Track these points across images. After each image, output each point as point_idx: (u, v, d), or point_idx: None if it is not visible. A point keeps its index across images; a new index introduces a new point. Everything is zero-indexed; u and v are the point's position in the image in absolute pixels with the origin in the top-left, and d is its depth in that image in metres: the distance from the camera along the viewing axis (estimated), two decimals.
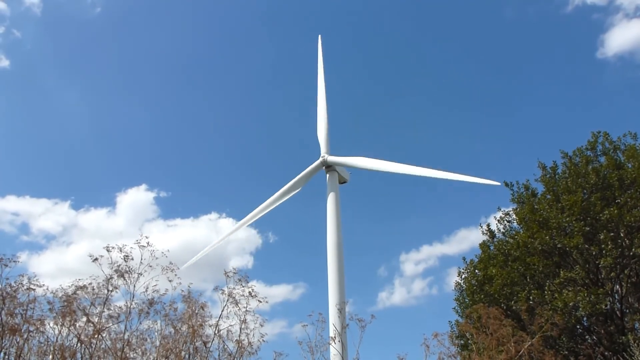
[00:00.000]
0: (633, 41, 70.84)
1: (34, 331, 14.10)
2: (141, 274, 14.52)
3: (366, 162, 26.08)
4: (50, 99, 78.98)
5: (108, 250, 14.54)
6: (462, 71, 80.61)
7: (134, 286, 14.48)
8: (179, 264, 15.44)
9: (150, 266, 14.60)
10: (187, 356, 14.38)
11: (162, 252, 14.81)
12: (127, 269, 14.46)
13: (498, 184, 22.80)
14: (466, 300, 27.55)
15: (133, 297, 14.52)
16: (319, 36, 32.31)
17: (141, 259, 14.62)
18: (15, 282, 14.23)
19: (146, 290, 14.53)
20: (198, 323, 14.58)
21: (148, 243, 14.70)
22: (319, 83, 30.29)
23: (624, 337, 21.42)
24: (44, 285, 14.62)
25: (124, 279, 14.39)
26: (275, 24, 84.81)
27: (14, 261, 14.34)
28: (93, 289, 14.35)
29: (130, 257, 14.57)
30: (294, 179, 27.13)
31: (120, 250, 14.58)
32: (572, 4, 74.04)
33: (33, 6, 76.66)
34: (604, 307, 22.28)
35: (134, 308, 14.52)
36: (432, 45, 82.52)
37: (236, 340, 14.49)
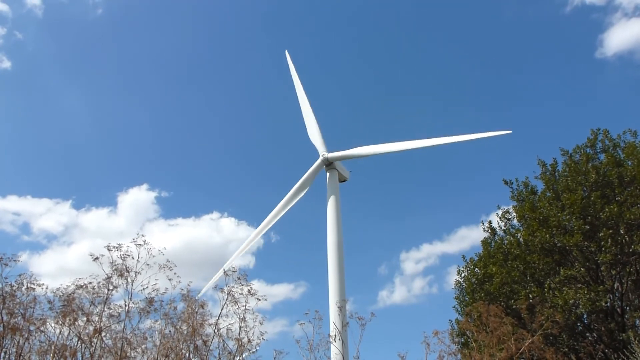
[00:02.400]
0: (632, 40, 70.83)
1: (35, 331, 14.13)
2: (139, 273, 14.54)
3: (365, 149, 26.34)
4: (52, 100, 79.15)
5: (109, 250, 14.55)
6: (462, 70, 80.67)
7: (132, 285, 14.51)
8: (181, 264, 15.43)
9: (148, 265, 14.61)
10: (187, 355, 14.40)
11: (159, 250, 14.82)
12: (125, 268, 14.47)
13: (509, 131, 22.40)
14: (466, 298, 27.57)
15: (131, 296, 14.55)
16: (286, 52, 33.18)
17: (138, 258, 14.64)
18: (15, 281, 14.26)
19: (144, 289, 14.55)
20: (198, 322, 14.60)
21: (145, 242, 14.71)
22: (298, 94, 30.78)
23: (624, 335, 21.42)
24: (43, 284, 14.64)
25: (123, 278, 14.40)
26: (275, 23, 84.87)
27: (14, 260, 14.36)
28: (93, 288, 14.37)
29: (130, 256, 14.57)
30: (298, 182, 27.23)
31: (118, 249, 14.59)
32: (571, 4, 74.04)
33: (35, 8, 76.83)
34: (604, 304, 22.28)
35: (133, 307, 14.54)
36: (432, 44, 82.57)
37: (236, 338, 14.50)
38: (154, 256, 14.59)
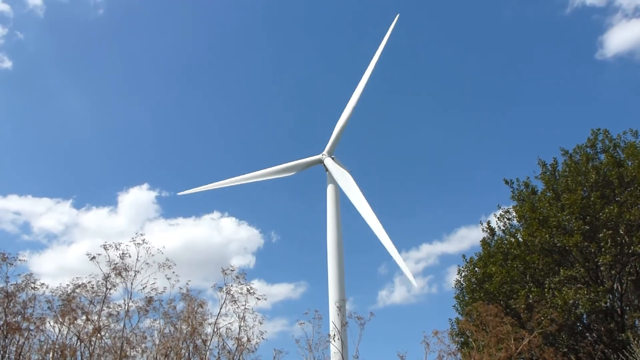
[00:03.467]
0: (632, 41, 70.68)
1: (35, 330, 14.15)
2: (138, 272, 14.57)
3: (348, 185, 25.55)
4: (53, 100, 79.19)
5: (105, 249, 14.55)
6: (462, 70, 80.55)
7: (132, 284, 14.54)
8: (181, 263, 15.47)
9: (147, 263, 14.64)
10: (186, 354, 14.41)
11: (158, 249, 14.84)
12: (124, 267, 14.48)
13: (415, 285, 23.38)
14: (466, 298, 27.55)
15: (131, 295, 14.57)
16: (397, 16, 31.71)
17: (137, 257, 14.65)
18: (21, 281, 14.28)
19: (144, 289, 14.56)
20: (197, 321, 14.61)
21: (144, 240, 14.73)
22: (365, 73, 29.66)
23: (623, 335, 21.41)
24: (44, 284, 14.66)
25: (122, 277, 14.42)
26: (275, 24, 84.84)
27: (20, 260, 14.38)
28: (92, 287, 14.38)
29: (127, 255, 14.58)
30: (290, 163, 27.65)
31: (117, 248, 14.61)
32: (571, 5, 73.91)
33: (36, 8, 76.86)
34: (603, 304, 22.26)
35: (132, 306, 14.56)
36: (432, 44, 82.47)
37: (235, 337, 14.51)
38: (153, 255, 14.63)
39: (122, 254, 14.58)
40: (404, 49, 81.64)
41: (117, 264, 14.51)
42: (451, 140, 79.33)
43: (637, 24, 69.14)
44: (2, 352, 13.52)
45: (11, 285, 14.11)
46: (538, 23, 76.89)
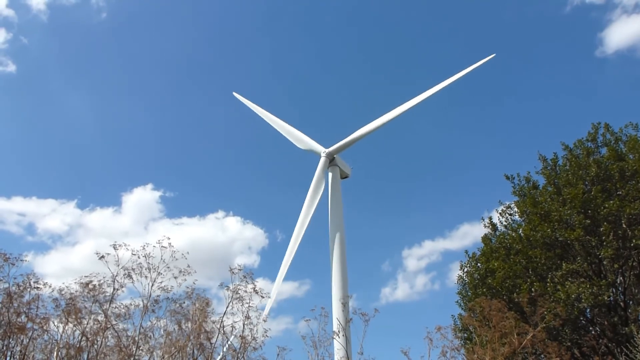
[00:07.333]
0: (632, 37, 70.64)
1: (39, 330, 14.19)
2: (160, 273, 14.64)
3: (361, 131, 26.44)
4: (56, 102, 79.46)
5: (115, 248, 14.59)
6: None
7: (151, 285, 14.60)
8: (185, 263, 15.54)
9: (168, 267, 14.72)
10: (192, 352, 14.46)
11: (183, 254, 14.92)
12: (148, 267, 14.54)
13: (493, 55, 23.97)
14: (469, 293, 27.59)
15: (150, 295, 14.63)
16: (234, 93, 34.99)
17: (161, 258, 14.71)
18: (22, 281, 14.29)
19: (164, 289, 14.66)
20: (203, 320, 14.67)
21: (170, 244, 14.79)
22: (269, 122, 30.99)
23: (627, 328, 21.43)
24: (47, 283, 14.68)
25: (143, 277, 14.49)
26: (275, 24, 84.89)
27: (21, 260, 14.38)
28: (94, 287, 14.40)
29: (151, 256, 14.65)
30: (311, 186, 26.32)
31: (144, 249, 14.70)
32: (571, 3, 73.93)
33: (40, 13, 77.07)
34: (606, 298, 22.28)
35: (142, 305, 14.61)
36: (434, 44, 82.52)
37: (240, 335, 14.57)
38: (177, 259, 14.74)
39: (148, 254, 14.62)
40: (404, 46, 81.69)
41: (139, 263, 14.54)
42: (452, 137, 79.51)
43: (637, 20, 69.09)
44: (9, 351, 13.57)
45: (13, 285, 14.12)
46: (538, 21, 77.01)
